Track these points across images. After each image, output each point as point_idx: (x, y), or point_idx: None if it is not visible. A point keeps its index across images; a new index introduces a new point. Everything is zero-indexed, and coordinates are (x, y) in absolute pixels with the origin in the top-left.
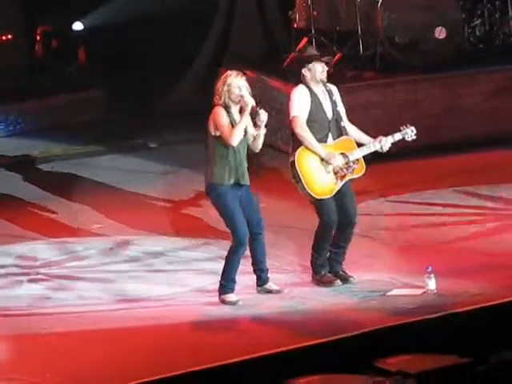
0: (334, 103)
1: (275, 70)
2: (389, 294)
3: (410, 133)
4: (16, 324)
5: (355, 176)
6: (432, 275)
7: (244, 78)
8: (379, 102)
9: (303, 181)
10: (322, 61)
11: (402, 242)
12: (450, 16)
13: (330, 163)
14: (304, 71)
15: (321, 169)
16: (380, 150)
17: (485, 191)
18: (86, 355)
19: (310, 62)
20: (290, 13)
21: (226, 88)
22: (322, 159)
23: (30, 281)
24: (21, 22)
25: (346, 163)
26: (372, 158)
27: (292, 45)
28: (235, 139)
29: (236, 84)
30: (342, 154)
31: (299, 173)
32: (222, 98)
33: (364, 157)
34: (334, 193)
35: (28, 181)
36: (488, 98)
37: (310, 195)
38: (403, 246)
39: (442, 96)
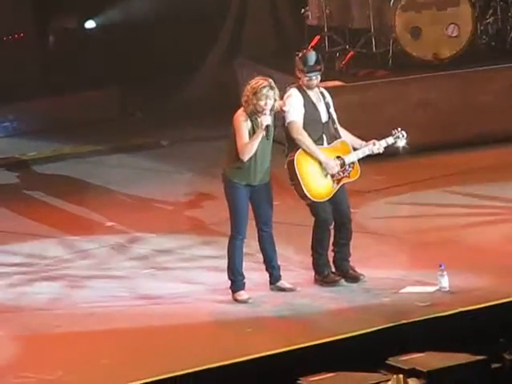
0: (327, 105)
1: (288, 67)
2: (401, 291)
3: (401, 137)
4: (28, 322)
5: (350, 180)
6: (445, 273)
7: (273, 89)
8: (393, 99)
9: (302, 183)
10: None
11: (414, 239)
12: (463, 13)
13: (327, 171)
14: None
15: (319, 172)
16: (373, 154)
17: (497, 189)
18: (99, 353)
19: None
20: (302, 10)
21: (253, 96)
22: (321, 163)
23: (42, 279)
24: (33, 20)
25: (342, 166)
26: (382, 157)
27: (305, 42)
28: (245, 155)
29: (263, 95)
30: (338, 157)
31: (298, 175)
32: (248, 105)
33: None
34: (331, 196)
35: (40, 179)
36: (502, 95)
37: (308, 198)
38: (416, 243)
39: (455, 93)
